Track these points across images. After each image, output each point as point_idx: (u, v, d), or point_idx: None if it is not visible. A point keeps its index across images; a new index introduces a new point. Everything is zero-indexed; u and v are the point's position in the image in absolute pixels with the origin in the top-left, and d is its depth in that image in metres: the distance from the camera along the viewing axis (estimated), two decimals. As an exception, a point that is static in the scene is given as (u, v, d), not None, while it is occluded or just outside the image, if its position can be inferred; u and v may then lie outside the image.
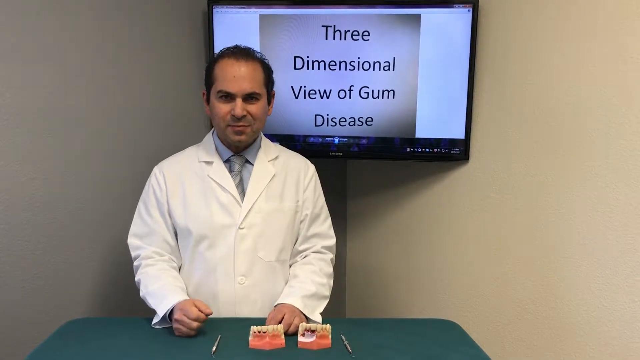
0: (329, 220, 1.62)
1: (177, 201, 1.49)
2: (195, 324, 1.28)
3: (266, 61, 1.50)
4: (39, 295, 1.67)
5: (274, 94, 1.56)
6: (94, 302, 1.82)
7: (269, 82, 1.50)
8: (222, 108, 1.43)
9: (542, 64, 1.74)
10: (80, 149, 1.74)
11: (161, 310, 1.34)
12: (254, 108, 1.44)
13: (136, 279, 1.47)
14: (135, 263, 1.50)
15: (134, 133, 1.88)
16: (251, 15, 1.96)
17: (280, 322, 1.32)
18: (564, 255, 1.71)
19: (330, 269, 1.57)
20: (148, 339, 1.30)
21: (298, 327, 1.29)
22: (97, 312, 1.83)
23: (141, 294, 1.43)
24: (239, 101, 1.41)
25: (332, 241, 1.61)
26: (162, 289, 1.39)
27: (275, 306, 1.43)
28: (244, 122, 1.43)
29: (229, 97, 1.42)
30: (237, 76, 1.41)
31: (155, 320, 1.36)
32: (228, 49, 1.48)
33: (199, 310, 1.29)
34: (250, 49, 1.48)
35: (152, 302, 1.38)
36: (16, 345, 1.59)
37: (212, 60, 1.50)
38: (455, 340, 1.33)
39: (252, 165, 1.52)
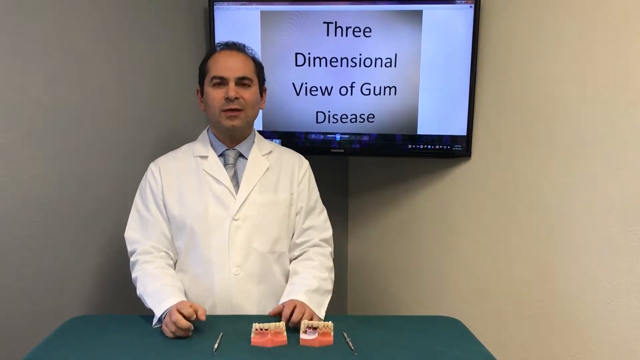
0: (325, 213, 1.64)
1: (173, 194, 1.51)
2: (185, 327, 1.26)
3: (257, 57, 1.56)
4: (38, 293, 1.66)
5: (265, 90, 1.60)
6: (94, 300, 1.82)
7: (260, 73, 1.55)
8: (216, 94, 1.48)
9: (544, 60, 1.73)
10: (79, 146, 1.73)
11: (159, 311, 1.34)
12: (247, 93, 1.48)
13: (133, 276, 1.47)
14: (132, 259, 1.50)
15: (134, 130, 1.88)
16: (252, 12, 1.95)
17: (290, 317, 1.32)
18: (566, 252, 1.70)
19: (331, 263, 1.57)
20: (149, 337, 1.30)
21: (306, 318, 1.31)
22: (98, 310, 1.82)
23: (138, 292, 1.43)
24: (231, 84, 1.46)
25: (329, 233, 1.62)
26: (160, 290, 1.39)
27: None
28: (237, 105, 1.47)
29: (222, 82, 1.47)
30: (229, 61, 1.48)
31: (155, 321, 1.36)
32: (220, 43, 1.55)
33: (195, 313, 1.28)
34: (243, 44, 1.55)
35: (149, 302, 1.38)
36: (16, 344, 1.59)
37: (205, 57, 1.55)
38: (457, 337, 1.33)
39: (246, 159, 1.55)
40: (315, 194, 1.63)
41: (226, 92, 1.46)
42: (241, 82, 1.47)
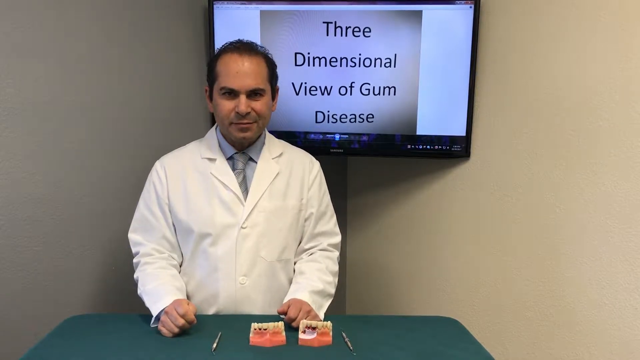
0: (335, 218, 1.61)
1: (178, 197, 1.47)
2: (181, 321, 1.25)
3: (270, 55, 1.48)
4: (38, 291, 1.66)
5: (278, 89, 1.53)
6: (94, 299, 1.82)
7: (272, 77, 1.48)
8: (226, 105, 1.41)
9: (544, 60, 1.73)
10: (80, 145, 1.73)
11: (155, 310, 1.33)
12: (258, 105, 1.42)
13: (135, 276, 1.47)
14: (134, 260, 1.49)
15: (134, 129, 1.88)
16: (252, 11, 1.95)
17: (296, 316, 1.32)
18: (565, 252, 1.70)
19: (336, 267, 1.56)
20: (148, 336, 1.29)
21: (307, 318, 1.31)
22: (97, 308, 1.82)
23: (138, 291, 1.43)
24: (242, 98, 1.39)
25: (338, 238, 1.60)
26: (158, 289, 1.38)
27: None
28: (248, 119, 1.42)
29: (232, 93, 1.40)
30: (240, 72, 1.39)
31: (152, 320, 1.35)
32: (231, 43, 1.45)
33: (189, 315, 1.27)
34: (253, 43, 1.46)
35: (147, 301, 1.37)
36: (16, 342, 1.59)
37: (214, 55, 1.47)
38: (456, 338, 1.33)
39: (256, 163, 1.50)
40: (327, 198, 1.59)
41: (236, 105, 1.39)
42: (253, 92, 1.40)
